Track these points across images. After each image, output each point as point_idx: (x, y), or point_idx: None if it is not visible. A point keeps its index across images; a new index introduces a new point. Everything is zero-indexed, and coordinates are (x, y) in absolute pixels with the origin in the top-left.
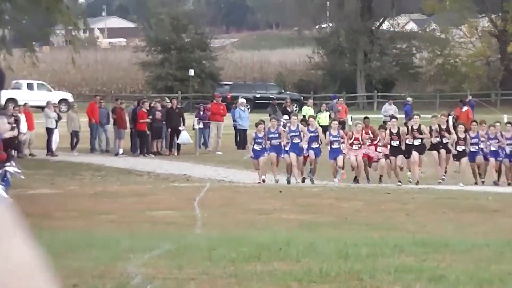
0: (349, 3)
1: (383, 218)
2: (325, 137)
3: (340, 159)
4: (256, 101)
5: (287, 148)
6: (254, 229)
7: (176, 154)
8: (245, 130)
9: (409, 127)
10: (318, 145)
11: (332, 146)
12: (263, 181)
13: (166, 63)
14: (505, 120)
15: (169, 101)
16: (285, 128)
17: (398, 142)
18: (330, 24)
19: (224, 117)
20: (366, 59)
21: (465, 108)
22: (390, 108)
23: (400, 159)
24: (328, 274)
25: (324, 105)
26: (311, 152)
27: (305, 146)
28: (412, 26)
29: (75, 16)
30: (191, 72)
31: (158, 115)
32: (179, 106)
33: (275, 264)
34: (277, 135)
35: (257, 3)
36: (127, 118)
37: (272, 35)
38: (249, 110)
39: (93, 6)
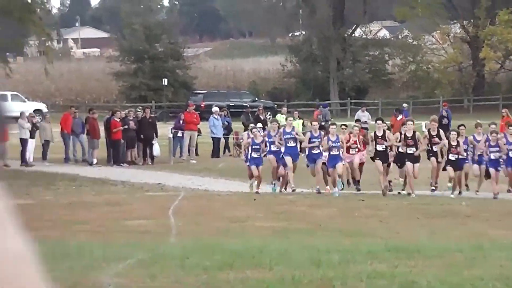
0: (321, 11)
1: (356, 224)
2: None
3: (339, 166)
4: (230, 109)
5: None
6: (228, 237)
7: (150, 163)
8: (219, 139)
9: (402, 133)
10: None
11: (331, 153)
12: (257, 192)
13: (140, 72)
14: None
15: (140, 110)
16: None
17: (384, 146)
18: (303, 32)
19: (197, 125)
20: (339, 67)
21: (400, 116)
22: (363, 115)
23: (382, 164)
24: (301, 281)
25: (296, 112)
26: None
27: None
28: (384, 33)
29: (48, 27)
30: (165, 81)
31: (132, 124)
32: (152, 115)
33: (248, 272)
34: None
35: (229, 12)
36: (100, 128)
37: (245, 43)
38: (229, 116)
39: (66, 17)
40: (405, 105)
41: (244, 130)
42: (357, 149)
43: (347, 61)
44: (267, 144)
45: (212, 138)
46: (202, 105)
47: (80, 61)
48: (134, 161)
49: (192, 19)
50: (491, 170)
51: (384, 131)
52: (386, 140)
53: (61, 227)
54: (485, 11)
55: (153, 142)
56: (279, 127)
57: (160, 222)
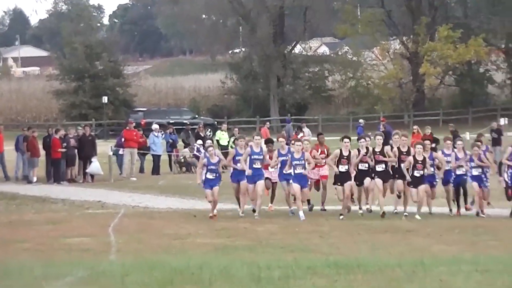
0: (262, 28)
1: (297, 240)
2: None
3: (348, 185)
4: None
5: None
6: (168, 254)
7: (90, 181)
8: (159, 156)
9: (367, 149)
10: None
11: (296, 171)
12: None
13: (80, 91)
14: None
15: (80, 128)
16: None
17: (346, 167)
18: (243, 50)
19: (137, 143)
20: (279, 83)
21: (301, 134)
22: (304, 131)
23: (349, 185)
24: None
25: (236, 129)
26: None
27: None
28: (324, 50)
29: None
30: (105, 99)
31: (72, 142)
32: (92, 133)
33: None
34: (261, 156)
35: (170, 30)
36: (40, 146)
37: (185, 61)
38: (163, 136)
39: (6, 36)
40: (361, 121)
41: (184, 147)
42: (324, 162)
43: (288, 78)
44: (234, 161)
45: (152, 155)
46: (142, 123)
47: (20, 80)
48: (74, 179)
49: (133, 38)
50: (475, 184)
51: (383, 147)
52: (384, 157)
53: (1, 246)
54: (425, 27)
55: (93, 160)
56: (246, 145)
57: (100, 239)
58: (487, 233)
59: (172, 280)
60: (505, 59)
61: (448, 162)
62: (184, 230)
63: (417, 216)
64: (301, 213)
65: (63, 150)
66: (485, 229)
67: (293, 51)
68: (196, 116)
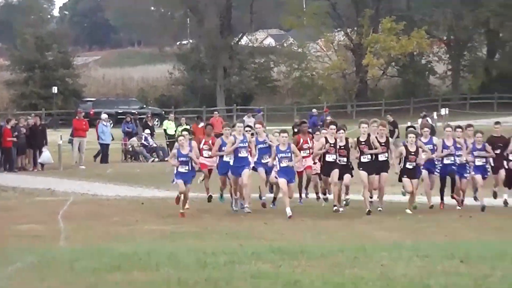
0: (209, 20)
1: (243, 227)
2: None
3: (292, 186)
4: (119, 116)
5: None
6: (117, 241)
7: (40, 169)
8: (108, 145)
9: (346, 140)
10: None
11: (281, 164)
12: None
13: (30, 81)
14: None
15: (31, 118)
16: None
17: (334, 156)
18: (191, 41)
19: (86, 132)
20: (225, 74)
21: (202, 124)
22: (249, 121)
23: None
24: (187, 282)
25: (183, 119)
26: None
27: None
28: (270, 41)
29: None
30: (55, 89)
31: (23, 131)
32: (42, 122)
33: (135, 273)
34: (246, 143)
35: (119, 22)
36: None
37: (134, 52)
38: (112, 125)
39: None
40: (314, 110)
41: (129, 138)
42: (308, 152)
43: (234, 69)
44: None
45: (101, 144)
46: (91, 113)
47: None
48: (24, 167)
49: (83, 29)
50: (478, 176)
51: (368, 135)
52: (370, 148)
53: None
54: (368, 19)
55: (43, 149)
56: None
57: (50, 226)
58: (427, 220)
59: (120, 265)
60: (446, 50)
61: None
62: (132, 217)
63: (408, 211)
64: (288, 210)
65: (14, 139)
66: (425, 215)
67: (239, 43)
68: (144, 106)
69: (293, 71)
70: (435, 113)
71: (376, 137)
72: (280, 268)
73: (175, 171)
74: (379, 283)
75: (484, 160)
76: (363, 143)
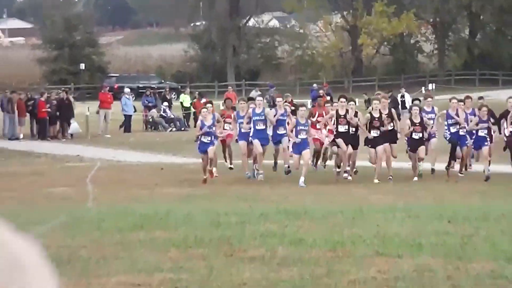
0: (219, 3)
1: (251, 191)
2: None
3: (307, 153)
4: (140, 91)
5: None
6: (139, 203)
7: (70, 138)
8: (130, 116)
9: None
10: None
11: (300, 136)
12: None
13: (60, 58)
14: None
15: (61, 92)
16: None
17: (346, 127)
18: (203, 22)
19: (111, 104)
20: (235, 53)
21: (203, 100)
22: (256, 94)
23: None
24: (202, 240)
25: (197, 92)
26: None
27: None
28: (274, 23)
29: None
30: (82, 66)
31: (53, 104)
32: (69, 96)
33: (156, 232)
34: (263, 117)
35: (139, 5)
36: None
37: (152, 33)
38: (134, 98)
39: None
40: (314, 85)
41: (149, 110)
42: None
43: (242, 48)
44: (238, 125)
45: (124, 115)
46: (115, 87)
47: (7, 49)
48: (56, 136)
49: (106, 11)
50: (485, 148)
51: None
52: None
53: None
54: (362, 3)
55: (71, 121)
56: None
57: (79, 189)
58: (417, 184)
59: (143, 225)
60: (433, 31)
61: (431, 119)
62: (151, 181)
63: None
64: (302, 179)
65: (48, 110)
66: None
67: (247, 24)
68: (162, 81)
69: (295, 50)
70: (430, 85)
71: (379, 110)
72: (286, 228)
73: (198, 141)
74: (376, 241)
75: (486, 131)
76: (376, 119)
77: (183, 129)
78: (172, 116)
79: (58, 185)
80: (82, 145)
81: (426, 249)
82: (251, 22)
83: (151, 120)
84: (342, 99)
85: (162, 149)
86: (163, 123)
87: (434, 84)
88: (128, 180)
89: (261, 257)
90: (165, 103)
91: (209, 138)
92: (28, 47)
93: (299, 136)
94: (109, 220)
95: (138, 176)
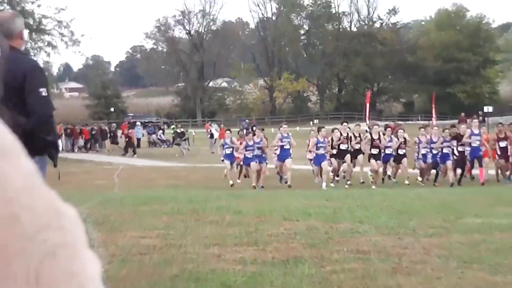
0: (192, 73)
1: (221, 183)
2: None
3: (325, 165)
4: (145, 124)
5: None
6: (145, 189)
7: (106, 151)
8: (139, 139)
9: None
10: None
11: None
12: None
13: (99, 105)
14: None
15: (98, 124)
16: (161, 137)
17: (346, 146)
18: (183, 84)
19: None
20: (201, 102)
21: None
22: (216, 128)
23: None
24: (182, 210)
25: (179, 124)
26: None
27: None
28: (224, 84)
29: None
30: (112, 109)
31: (94, 131)
32: (102, 128)
33: (154, 206)
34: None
35: (144, 72)
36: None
37: (153, 90)
38: (142, 128)
39: (60, 76)
40: (246, 120)
41: (151, 135)
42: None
43: (206, 99)
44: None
45: (136, 138)
46: (131, 121)
47: (67, 100)
48: (96, 150)
49: (125, 76)
50: (448, 163)
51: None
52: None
53: (56, 184)
54: (275, 73)
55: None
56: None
57: (109, 181)
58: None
59: (147, 202)
60: (317, 89)
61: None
62: (152, 176)
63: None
64: (324, 184)
65: (92, 133)
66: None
67: (208, 85)
68: (158, 118)
69: (236, 100)
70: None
71: (379, 133)
72: (231, 203)
73: (223, 154)
74: (283, 211)
75: (449, 149)
76: (375, 140)
77: (171, 146)
78: (164, 139)
79: (98, 179)
80: (111, 156)
81: (313, 216)
82: (211, 84)
83: (152, 141)
84: (344, 124)
85: (159, 158)
86: (160, 143)
87: (317, 120)
88: (138, 176)
89: (216, 221)
90: (160, 131)
91: (230, 150)
92: (80, 98)
93: (318, 152)
94: (127, 198)
95: (144, 174)
